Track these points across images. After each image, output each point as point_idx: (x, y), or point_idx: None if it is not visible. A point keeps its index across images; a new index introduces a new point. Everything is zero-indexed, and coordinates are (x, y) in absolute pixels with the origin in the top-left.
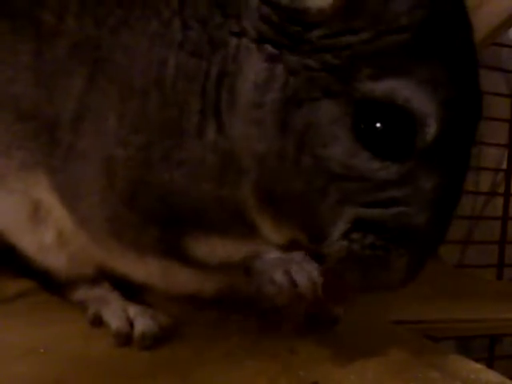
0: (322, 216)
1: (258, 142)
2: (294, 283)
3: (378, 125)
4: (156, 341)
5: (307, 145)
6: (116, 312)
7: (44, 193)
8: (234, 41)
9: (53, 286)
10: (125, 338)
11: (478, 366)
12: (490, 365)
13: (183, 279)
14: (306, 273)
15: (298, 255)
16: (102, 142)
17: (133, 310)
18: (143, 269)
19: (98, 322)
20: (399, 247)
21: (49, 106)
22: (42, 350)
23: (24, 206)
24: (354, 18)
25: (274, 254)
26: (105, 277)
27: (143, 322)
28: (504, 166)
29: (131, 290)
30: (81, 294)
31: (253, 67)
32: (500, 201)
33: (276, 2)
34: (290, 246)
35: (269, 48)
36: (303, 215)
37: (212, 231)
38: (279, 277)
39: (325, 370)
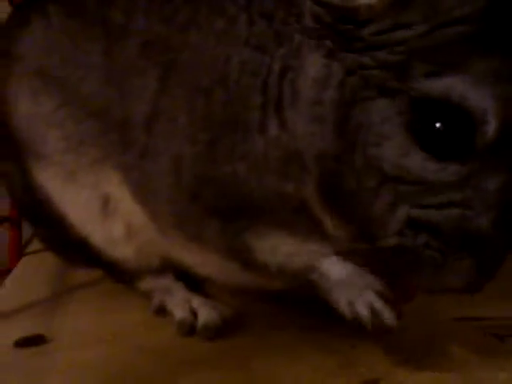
0: (374, 216)
1: (319, 139)
2: (356, 315)
3: (436, 124)
4: (218, 331)
5: (360, 144)
6: (180, 302)
7: (113, 187)
8: (297, 37)
9: (120, 275)
10: (188, 328)
11: None
12: None
13: (245, 276)
14: (369, 306)
15: (361, 276)
16: (173, 142)
17: (196, 301)
18: (205, 261)
19: (162, 311)
20: (459, 250)
21: (120, 105)
22: (109, 338)
23: (94, 200)
24: (406, 12)
25: (335, 270)
26: (170, 268)
27: (206, 313)
28: None
29: (194, 281)
30: (147, 283)
31: (312, 63)
32: None
33: (327, 1)
34: (350, 251)
35: (328, 44)
36: (357, 214)
37: (274, 226)
38: (343, 306)
39: (386, 367)
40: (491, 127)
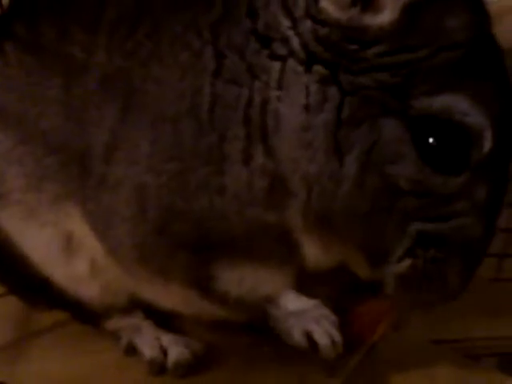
0: (386, 235)
1: (307, 164)
2: (314, 346)
3: (435, 140)
4: (190, 368)
5: (373, 164)
6: (149, 341)
7: (76, 224)
8: (277, 65)
9: (86, 316)
10: (159, 367)
11: None
12: None
13: (208, 308)
14: (326, 333)
15: (316, 307)
16: (134, 170)
17: (166, 339)
18: (169, 296)
19: (131, 351)
20: (455, 258)
21: (79, 139)
22: (79, 382)
23: (57, 238)
24: (412, 35)
25: (291, 302)
26: (137, 305)
27: (177, 351)
28: None
29: (164, 318)
30: (114, 323)
31: (302, 90)
32: None
33: (335, 22)
34: (311, 287)
35: (320, 69)
36: (365, 235)
37: (246, 257)
38: (299, 337)
39: None
40: (487, 143)
